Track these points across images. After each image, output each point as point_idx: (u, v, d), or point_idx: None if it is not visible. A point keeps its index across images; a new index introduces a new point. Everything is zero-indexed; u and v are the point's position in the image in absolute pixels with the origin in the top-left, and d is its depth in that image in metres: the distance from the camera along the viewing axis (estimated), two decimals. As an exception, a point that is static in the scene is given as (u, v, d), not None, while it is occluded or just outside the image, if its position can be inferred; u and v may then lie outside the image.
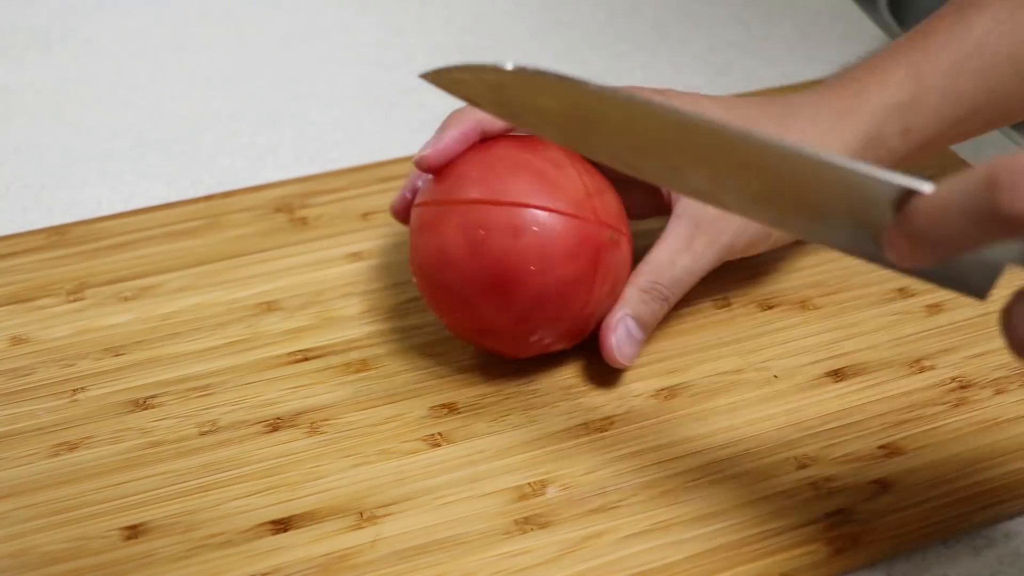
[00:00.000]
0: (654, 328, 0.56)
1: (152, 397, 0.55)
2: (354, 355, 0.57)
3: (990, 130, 0.61)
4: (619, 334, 0.54)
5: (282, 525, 0.49)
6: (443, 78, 0.47)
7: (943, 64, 0.56)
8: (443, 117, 0.79)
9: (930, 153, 0.59)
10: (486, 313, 0.52)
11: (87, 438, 0.53)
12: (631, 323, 0.54)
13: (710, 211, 0.54)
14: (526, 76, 0.45)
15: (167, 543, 0.48)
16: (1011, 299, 0.38)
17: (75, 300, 0.61)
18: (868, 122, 0.56)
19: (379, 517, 0.49)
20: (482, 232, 0.51)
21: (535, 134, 0.51)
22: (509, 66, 0.45)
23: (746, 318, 0.59)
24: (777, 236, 0.57)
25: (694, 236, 0.55)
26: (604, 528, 0.49)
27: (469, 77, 0.48)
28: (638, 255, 0.55)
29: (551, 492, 0.50)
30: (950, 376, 0.56)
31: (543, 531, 0.48)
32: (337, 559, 0.48)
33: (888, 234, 0.39)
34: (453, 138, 0.53)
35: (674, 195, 0.56)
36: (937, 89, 0.56)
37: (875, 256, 0.42)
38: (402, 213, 0.57)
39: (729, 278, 0.61)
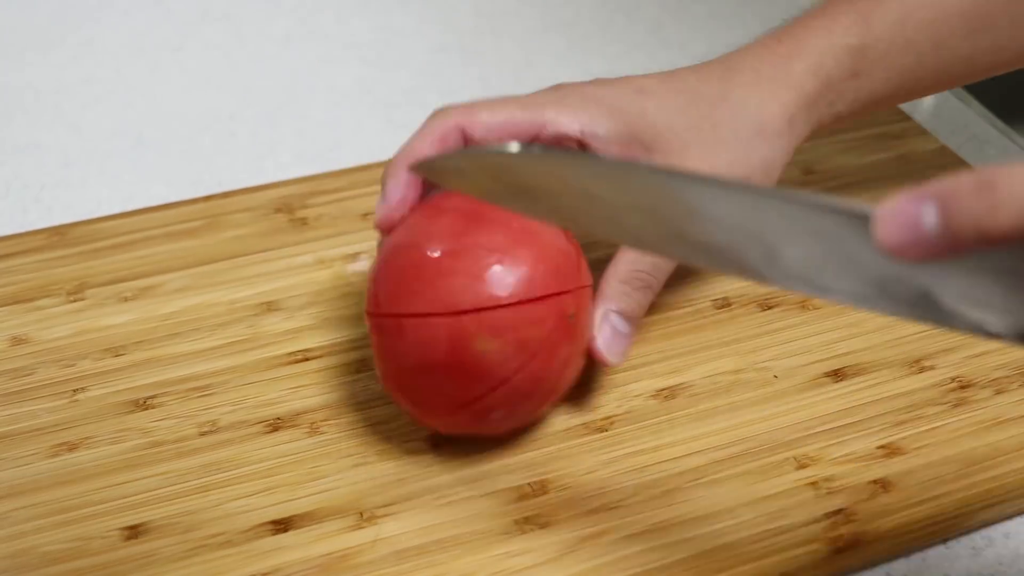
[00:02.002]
0: (642, 318, 0.53)
1: (152, 397, 0.55)
2: (354, 355, 0.57)
3: (941, 90, 0.59)
4: (605, 333, 0.51)
5: (282, 525, 0.49)
6: (437, 167, 0.43)
7: (892, 13, 0.55)
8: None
9: (882, 109, 0.58)
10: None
11: (87, 438, 0.53)
12: (616, 319, 0.52)
13: None
14: (533, 157, 0.40)
15: (167, 543, 0.48)
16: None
17: (75, 300, 0.61)
18: (815, 63, 0.54)
19: (379, 517, 0.49)
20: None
21: (539, 219, 0.47)
22: (513, 148, 0.40)
23: (746, 318, 0.59)
24: None
25: None
26: (604, 528, 0.49)
27: (468, 164, 0.43)
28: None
29: None
30: (950, 376, 0.56)
31: (543, 531, 0.48)
32: (337, 559, 0.48)
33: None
34: (400, 188, 0.50)
35: None
36: (885, 38, 0.55)
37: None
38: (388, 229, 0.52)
39: (729, 278, 0.61)
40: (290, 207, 0.68)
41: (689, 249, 0.43)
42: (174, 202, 0.69)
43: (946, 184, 0.30)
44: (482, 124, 0.51)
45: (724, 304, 0.60)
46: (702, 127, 0.53)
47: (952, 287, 0.35)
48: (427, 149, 0.51)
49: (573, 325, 0.50)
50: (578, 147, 0.52)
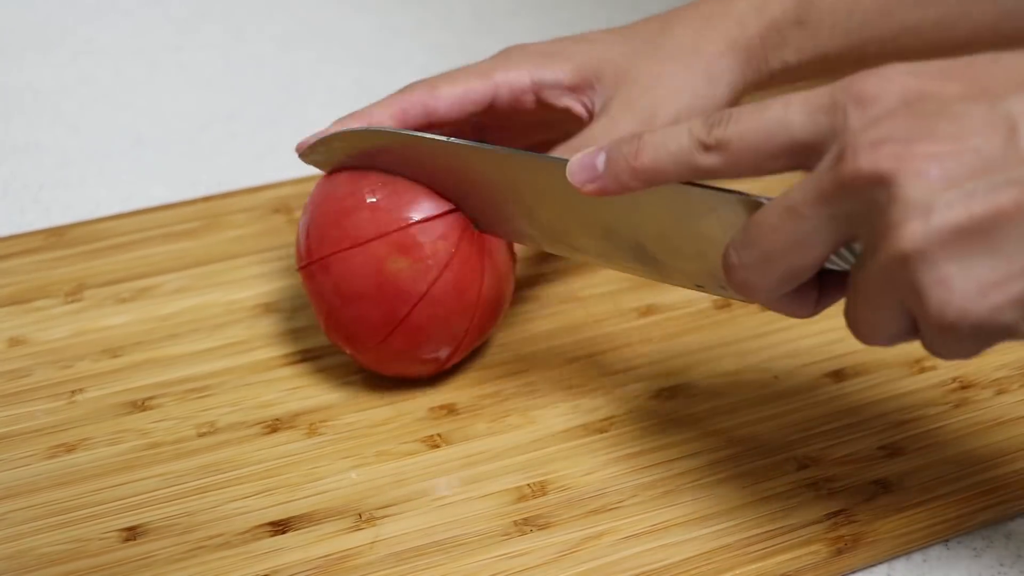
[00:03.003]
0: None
1: (150, 398, 0.55)
2: (353, 356, 0.57)
3: (890, 61, 0.59)
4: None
5: (281, 526, 0.49)
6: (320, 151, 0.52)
7: None
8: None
9: (835, 73, 0.56)
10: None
11: (85, 439, 0.53)
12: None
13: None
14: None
15: (165, 545, 0.48)
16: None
17: (73, 301, 0.61)
18: (758, 2, 0.55)
19: (378, 518, 0.49)
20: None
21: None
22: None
23: (746, 318, 0.59)
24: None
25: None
26: (604, 529, 0.48)
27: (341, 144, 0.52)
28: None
29: None
30: (951, 376, 0.55)
31: (542, 532, 0.48)
32: (336, 560, 0.47)
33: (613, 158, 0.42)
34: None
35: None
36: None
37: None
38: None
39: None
40: (288, 208, 0.68)
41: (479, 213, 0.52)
42: (173, 203, 0.69)
43: (615, 140, 0.42)
44: (444, 97, 0.53)
45: (724, 304, 0.60)
46: (642, 51, 0.54)
47: (651, 236, 0.46)
48: (386, 120, 0.53)
49: (481, 237, 0.53)
50: (535, 100, 0.54)
